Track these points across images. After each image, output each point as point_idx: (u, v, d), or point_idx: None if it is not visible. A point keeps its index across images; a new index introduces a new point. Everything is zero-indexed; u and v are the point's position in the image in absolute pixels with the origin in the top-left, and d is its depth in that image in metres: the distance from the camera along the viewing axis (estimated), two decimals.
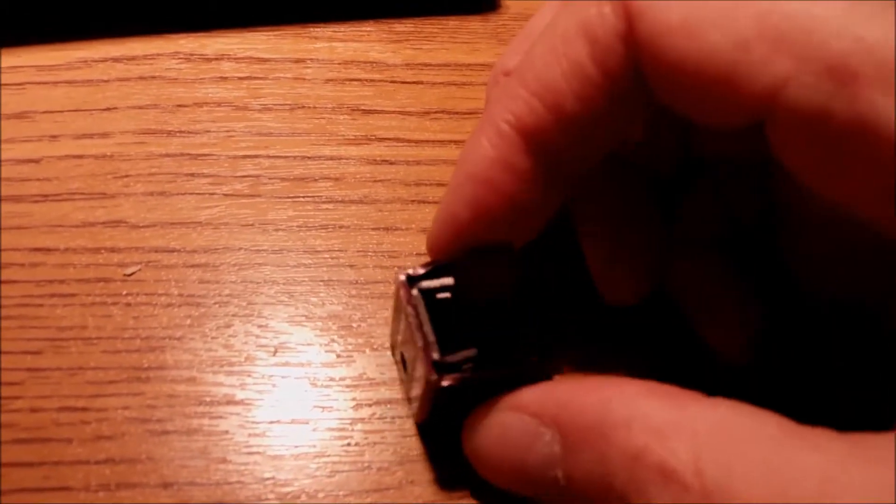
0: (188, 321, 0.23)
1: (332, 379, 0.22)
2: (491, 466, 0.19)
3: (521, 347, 0.19)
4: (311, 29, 0.30)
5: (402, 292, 0.19)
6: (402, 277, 0.19)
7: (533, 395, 0.18)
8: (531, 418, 0.18)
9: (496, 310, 0.19)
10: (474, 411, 0.19)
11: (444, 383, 0.18)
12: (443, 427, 0.20)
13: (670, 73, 0.17)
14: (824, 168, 0.16)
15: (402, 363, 0.21)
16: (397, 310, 0.20)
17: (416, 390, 0.20)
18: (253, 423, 0.21)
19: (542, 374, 0.19)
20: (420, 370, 0.19)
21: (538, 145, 0.18)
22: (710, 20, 0.16)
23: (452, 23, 0.31)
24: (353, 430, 0.21)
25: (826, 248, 0.21)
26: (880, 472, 0.14)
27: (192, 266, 0.24)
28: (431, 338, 0.19)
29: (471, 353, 0.18)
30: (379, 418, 0.21)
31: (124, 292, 0.23)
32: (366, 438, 0.21)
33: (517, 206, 0.19)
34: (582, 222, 0.22)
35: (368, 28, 0.30)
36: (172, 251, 0.24)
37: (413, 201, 0.26)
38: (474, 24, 0.31)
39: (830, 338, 0.22)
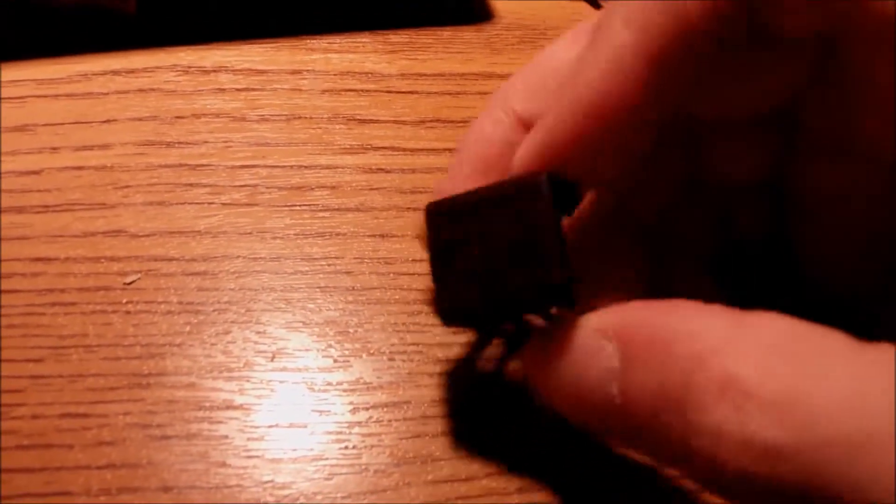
0: (187, 328, 0.23)
1: (329, 383, 0.22)
2: (550, 383, 0.18)
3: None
4: (308, 41, 0.31)
5: None
6: None
7: (596, 314, 0.18)
8: (593, 331, 0.17)
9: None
10: (538, 332, 0.19)
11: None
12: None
13: None
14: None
15: None
16: None
17: None
18: (252, 427, 0.21)
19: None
20: None
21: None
22: None
23: (447, 33, 0.31)
24: (350, 433, 0.21)
25: (836, 249, 0.21)
26: None
27: (191, 274, 0.24)
28: None
29: None
30: (376, 422, 0.22)
31: (124, 300, 0.23)
32: (363, 441, 0.21)
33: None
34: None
35: (364, 39, 0.31)
36: (172, 260, 0.24)
37: (408, 209, 0.26)
38: (468, 34, 0.31)
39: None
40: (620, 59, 0.17)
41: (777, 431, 0.14)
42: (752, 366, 0.14)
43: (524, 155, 0.19)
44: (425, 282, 0.24)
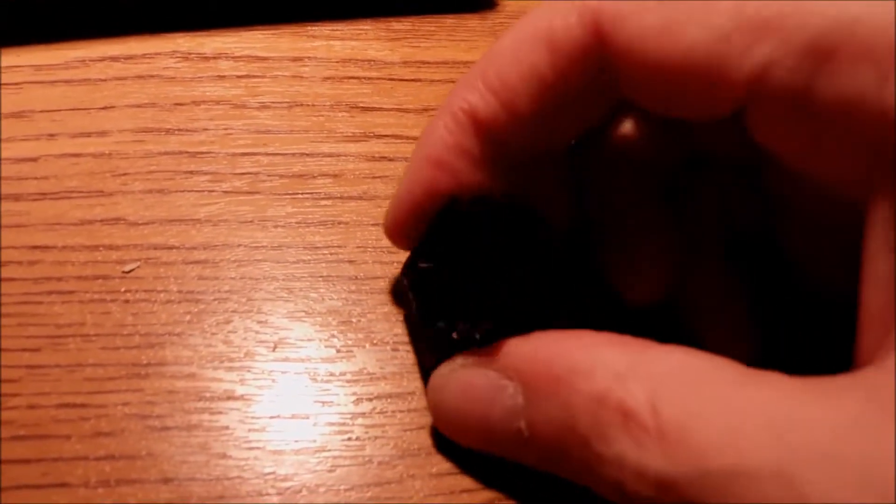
0: (187, 317, 0.23)
1: (332, 374, 0.22)
2: (455, 423, 0.20)
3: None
4: (309, 27, 0.30)
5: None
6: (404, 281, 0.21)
7: (496, 352, 0.19)
8: (494, 372, 0.18)
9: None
10: (437, 369, 0.20)
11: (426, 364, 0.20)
12: None
13: (651, 74, 0.17)
14: (809, 149, 0.17)
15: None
16: None
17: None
18: (253, 418, 0.21)
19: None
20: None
21: (490, 134, 0.19)
22: (688, 18, 0.16)
23: (450, 21, 0.31)
24: (353, 424, 0.21)
25: (819, 241, 0.21)
26: (832, 407, 0.14)
27: (192, 263, 0.24)
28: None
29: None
30: (379, 413, 0.21)
31: (123, 289, 0.23)
32: (366, 433, 0.21)
33: (466, 188, 0.20)
34: (596, 225, 0.22)
35: (366, 26, 0.30)
36: (171, 248, 0.24)
37: None
38: (472, 22, 0.31)
39: (831, 336, 0.21)
40: (457, 135, 0.20)
41: (665, 463, 0.15)
42: (646, 399, 0.15)
43: (389, 218, 0.21)
44: None
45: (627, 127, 0.22)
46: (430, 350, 0.21)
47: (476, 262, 0.20)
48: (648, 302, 0.22)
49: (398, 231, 0.21)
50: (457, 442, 0.20)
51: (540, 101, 0.19)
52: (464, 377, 0.19)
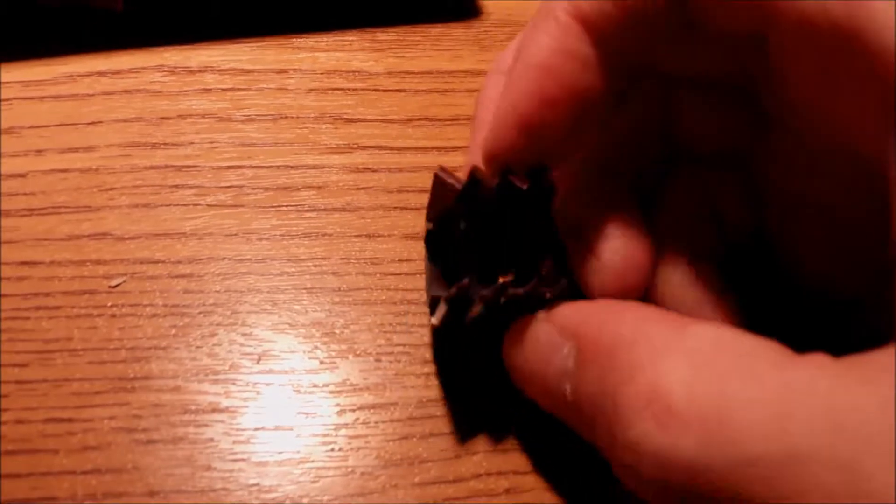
0: (173, 331, 0.23)
1: (315, 385, 0.22)
2: (519, 373, 0.20)
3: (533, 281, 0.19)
4: (294, 39, 0.30)
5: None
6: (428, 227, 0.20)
7: (565, 309, 0.19)
8: (556, 329, 0.18)
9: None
10: (517, 321, 0.20)
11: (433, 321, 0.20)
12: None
13: None
14: (818, 76, 0.16)
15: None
16: None
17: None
18: (237, 430, 0.21)
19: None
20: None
21: (597, 32, 0.18)
22: None
23: (435, 30, 0.31)
24: (336, 435, 0.21)
25: (811, 239, 0.21)
26: (881, 389, 0.13)
27: (177, 276, 0.24)
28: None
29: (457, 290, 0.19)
30: (363, 423, 0.22)
31: (109, 304, 0.23)
32: (349, 444, 0.21)
33: (580, 95, 0.18)
34: (567, 226, 0.22)
35: (351, 37, 0.31)
36: (157, 262, 0.24)
37: (395, 208, 0.26)
38: (457, 31, 0.31)
39: (823, 336, 0.21)
40: (562, 39, 0.18)
41: (700, 449, 0.14)
42: (680, 377, 0.15)
43: (493, 138, 0.19)
44: (412, 282, 0.24)
45: (606, 140, 0.22)
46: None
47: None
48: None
49: (503, 150, 0.19)
50: (522, 391, 0.20)
51: None
52: (533, 329, 0.19)
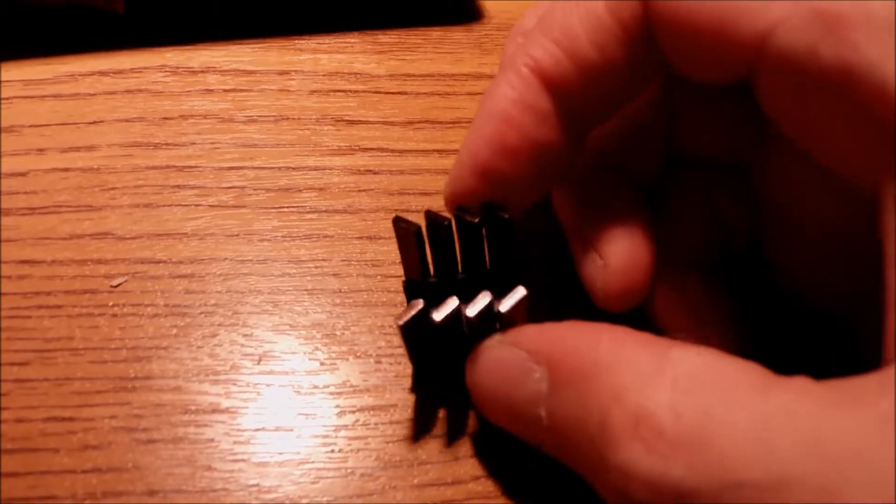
0: (174, 331, 0.23)
1: (315, 386, 0.22)
2: (486, 399, 0.20)
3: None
4: (296, 41, 0.30)
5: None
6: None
7: (530, 332, 0.19)
8: (525, 353, 0.18)
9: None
10: (478, 345, 0.20)
11: (399, 322, 0.19)
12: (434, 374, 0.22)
13: (673, 22, 0.17)
14: (810, 117, 0.16)
15: None
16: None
17: None
18: (238, 430, 0.21)
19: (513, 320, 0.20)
20: None
21: (557, 89, 0.19)
22: None
23: (436, 33, 0.31)
24: (336, 436, 0.21)
25: (806, 254, 0.21)
26: (866, 411, 0.13)
27: (178, 276, 0.24)
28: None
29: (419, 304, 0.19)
30: (362, 425, 0.22)
31: (111, 303, 0.23)
32: (349, 445, 0.21)
33: (536, 146, 0.19)
34: (570, 227, 0.22)
35: (353, 39, 0.31)
36: (158, 262, 0.24)
37: (396, 210, 0.26)
38: (458, 34, 0.31)
39: (814, 350, 0.21)
40: (522, 91, 0.19)
41: (687, 472, 0.14)
42: (666, 401, 0.15)
43: (453, 180, 0.20)
44: None
45: (607, 128, 0.22)
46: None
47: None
48: (621, 306, 0.21)
49: (462, 194, 0.20)
50: (487, 418, 0.20)
51: (602, 49, 0.18)
52: (498, 353, 0.19)
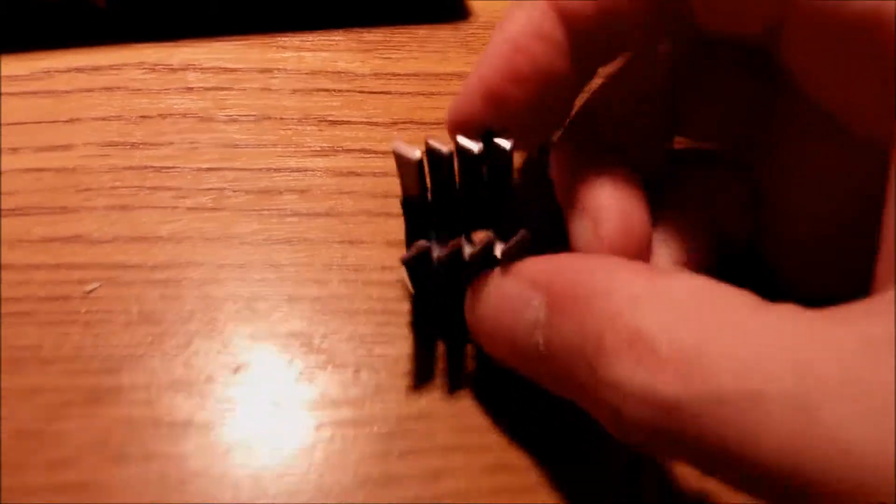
0: (148, 339, 0.22)
1: (293, 398, 0.22)
2: (485, 329, 0.20)
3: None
4: (279, 38, 0.30)
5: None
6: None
7: (528, 263, 0.19)
8: (524, 282, 0.18)
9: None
10: (478, 277, 0.20)
11: (402, 258, 0.20)
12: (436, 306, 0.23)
13: None
14: (833, 67, 0.17)
15: None
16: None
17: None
18: (213, 445, 0.21)
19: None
20: None
21: (573, 23, 0.19)
22: None
23: (422, 32, 0.30)
24: (314, 451, 0.21)
25: (809, 254, 0.21)
26: (852, 332, 0.13)
27: (153, 282, 0.23)
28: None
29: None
30: (341, 439, 0.21)
31: (83, 310, 0.23)
32: (327, 460, 0.21)
33: (546, 76, 0.19)
34: (564, 193, 0.22)
35: (337, 37, 0.30)
36: (133, 267, 0.24)
37: (380, 214, 0.25)
38: (444, 32, 0.31)
39: None
40: (538, 22, 0.19)
41: (677, 386, 0.14)
42: (659, 322, 0.15)
43: (460, 102, 0.20)
44: (395, 291, 0.24)
45: (610, 114, 0.22)
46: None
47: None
48: None
49: (466, 117, 0.20)
50: (488, 352, 0.20)
51: None
52: (499, 285, 0.19)
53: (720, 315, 0.15)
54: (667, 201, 0.22)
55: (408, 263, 0.20)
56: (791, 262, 0.22)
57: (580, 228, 0.21)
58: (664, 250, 0.21)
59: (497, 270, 0.20)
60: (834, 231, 0.20)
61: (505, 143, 0.20)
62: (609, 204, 0.20)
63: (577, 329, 0.17)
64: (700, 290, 0.16)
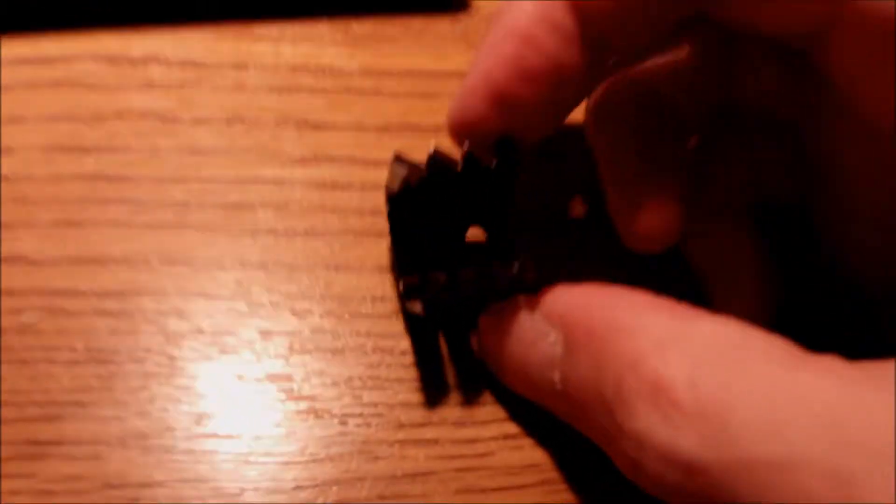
0: (95, 382, 0.19)
1: (268, 454, 0.19)
2: (499, 362, 0.19)
3: (499, 261, 0.19)
4: (255, 28, 0.26)
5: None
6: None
7: (549, 294, 0.18)
8: (540, 316, 0.18)
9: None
10: (492, 307, 0.19)
11: (414, 310, 0.18)
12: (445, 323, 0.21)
13: None
14: (880, 76, 0.16)
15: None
16: None
17: None
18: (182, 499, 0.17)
19: (525, 287, 0.19)
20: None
21: (584, 8, 0.17)
22: None
23: (417, 24, 0.27)
24: None
25: (857, 230, 0.20)
26: (889, 397, 0.13)
27: (103, 313, 0.20)
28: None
29: (439, 277, 0.18)
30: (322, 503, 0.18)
31: (19, 346, 0.19)
32: None
33: (558, 69, 0.18)
34: (606, 159, 0.21)
35: (322, 28, 0.27)
36: (79, 295, 0.20)
37: (368, 234, 0.22)
38: (442, 25, 0.27)
39: (852, 325, 0.21)
40: (547, 9, 0.17)
41: (699, 446, 0.13)
42: (685, 371, 0.14)
43: (461, 102, 0.18)
44: (387, 326, 0.21)
45: (659, 61, 0.21)
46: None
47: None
48: (649, 247, 0.20)
49: (468, 120, 0.18)
50: (502, 381, 0.19)
51: None
52: (512, 315, 0.19)
53: (753, 368, 0.14)
54: (710, 148, 0.21)
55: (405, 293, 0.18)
56: (840, 238, 0.21)
57: (619, 198, 0.20)
58: (706, 194, 0.21)
59: (518, 299, 0.19)
60: (882, 217, 0.19)
61: (515, 150, 0.19)
62: (652, 175, 0.20)
63: (595, 369, 0.16)
64: (732, 337, 0.15)
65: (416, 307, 0.18)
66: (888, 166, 0.19)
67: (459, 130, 0.19)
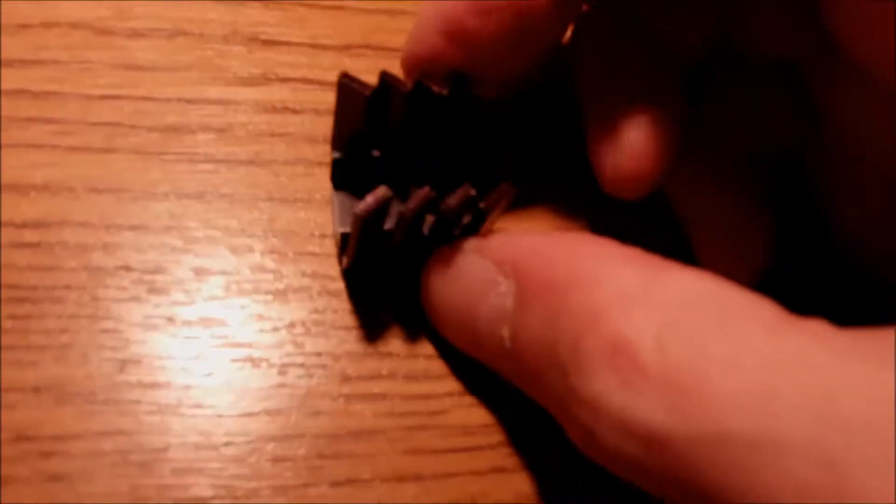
0: (8, 323, 0.17)
1: (198, 406, 0.17)
2: (443, 313, 0.17)
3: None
4: None
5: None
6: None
7: (498, 240, 0.17)
8: (491, 263, 0.16)
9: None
10: (437, 251, 0.18)
11: (357, 210, 0.16)
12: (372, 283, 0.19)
13: None
14: (885, 29, 0.15)
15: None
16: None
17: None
18: (91, 456, 0.16)
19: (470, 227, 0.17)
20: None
21: None
22: None
23: None
24: (222, 477, 0.16)
25: (850, 176, 0.19)
26: (884, 373, 0.11)
27: (20, 246, 0.18)
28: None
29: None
30: (257, 461, 0.16)
31: None
32: (239, 488, 0.16)
33: (520, 5, 0.16)
34: (586, 93, 0.20)
35: None
36: None
37: (321, 164, 0.20)
38: None
39: (840, 290, 0.20)
40: None
41: (663, 415, 0.12)
42: (653, 333, 0.13)
43: (417, 35, 0.18)
44: (334, 267, 0.19)
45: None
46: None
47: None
48: (624, 191, 0.19)
49: (425, 56, 0.17)
50: (443, 335, 0.18)
51: None
52: (460, 261, 0.17)
53: (731, 331, 0.12)
54: (712, 96, 0.20)
55: (365, 219, 0.16)
56: (841, 205, 0.20)
57: (600, 139, 0.19)
58: (698, 139, 0.19)
59: (460, 243, 0.17)
60: (884, 187, 0.18)
61: (474, 91, 0.17)
62: (637, 116, 0.18)
63: (550, 326, 0.14)
64: (708, 294, 0.13)
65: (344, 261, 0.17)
66: (887, 115, 0.18)
67: (413, 67, 0.18)
